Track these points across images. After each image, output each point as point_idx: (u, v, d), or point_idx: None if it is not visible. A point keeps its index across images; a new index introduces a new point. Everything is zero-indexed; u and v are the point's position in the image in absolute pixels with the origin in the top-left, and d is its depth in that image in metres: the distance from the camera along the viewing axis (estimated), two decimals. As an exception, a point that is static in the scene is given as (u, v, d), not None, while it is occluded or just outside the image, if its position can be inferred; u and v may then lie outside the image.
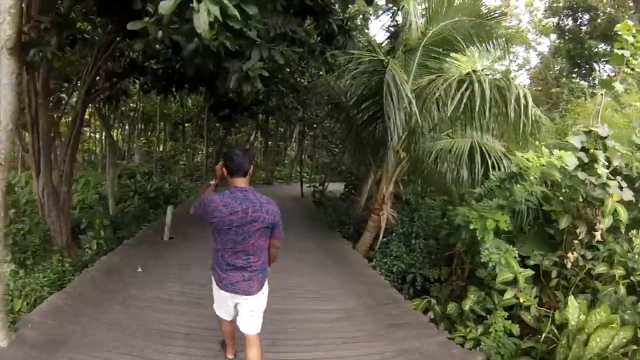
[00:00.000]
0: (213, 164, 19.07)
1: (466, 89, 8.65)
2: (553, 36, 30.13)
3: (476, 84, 8.59)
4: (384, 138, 10.65)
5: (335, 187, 22.41)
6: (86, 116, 30.01)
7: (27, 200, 15.38)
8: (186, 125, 34.40)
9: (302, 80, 18.32)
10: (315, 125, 24.06)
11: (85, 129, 27.27)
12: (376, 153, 12.06)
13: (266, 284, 4.40)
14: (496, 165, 9.90)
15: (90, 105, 13.61)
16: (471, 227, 7.48)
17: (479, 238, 7.43)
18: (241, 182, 4.08)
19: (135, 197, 18.13)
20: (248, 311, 4.35)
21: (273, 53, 7.36)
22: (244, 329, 4.41)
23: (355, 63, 9.73)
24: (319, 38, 9.48)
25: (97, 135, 34.72)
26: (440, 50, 11.69)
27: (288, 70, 14.78)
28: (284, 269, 8.92)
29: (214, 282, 4.40)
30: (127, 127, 38.23)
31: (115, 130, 44.72)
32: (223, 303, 4.47)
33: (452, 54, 12.14)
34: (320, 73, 15.74)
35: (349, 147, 13.77)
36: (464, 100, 8.63)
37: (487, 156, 10.09)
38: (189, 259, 9.72)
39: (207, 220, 4.10)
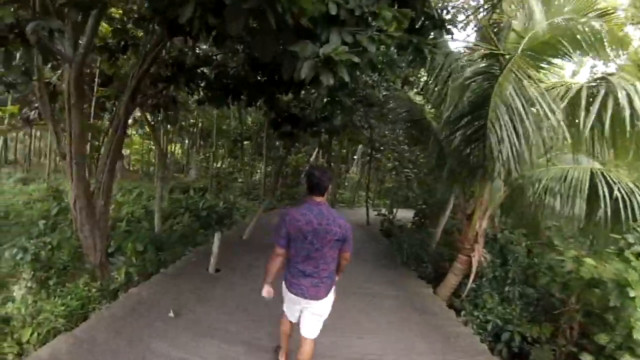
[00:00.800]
0: (272, 184, 17.21)
1: (603, 99, 6.68)
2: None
3: (620, 92, 6.50)
4: (482, 163, 8.58)
5: (402, 215, 20.62)
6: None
7: (60, 210, 13.89)
8: (245, 142, 33.22)
9: (378, 92, 16.28)
10: (382, 147, 21.84)
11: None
12: (470, 181, 9.96)
13: (332, 290, 4.66)
14: (627, 201, 7.57)
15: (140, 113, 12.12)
16: (632, 294, 5.19)
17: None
18: (318, 198, 4.39)
19: (186, 215, 16.49)
20: (312, 314, 4.61)
21: (360, 38, 5.02)
22: (304, 332, 4.68)
23: (458, 65, 7.56)
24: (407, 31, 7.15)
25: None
26: (543, 56, 9.34)
27: (367, 77, 12.61)
28: (355, 323, 7.36)
29: (284, 286, 4.64)
30: (186, 141, 37.64)
31: (175, 144, 44.83)
32: (292, 306, 4.74)
33: (554, 61, 9.68)
34: (396, 86, 13.72)
35: (435, 173, 11.55)
36: (592, 114, 6.72)
37: (614, 189, 7.73)
38: (235, 302, 7.86)
39: (287, 235, 4.34)
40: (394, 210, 20.40)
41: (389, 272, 11.67)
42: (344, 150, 31.69)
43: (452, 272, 9.91)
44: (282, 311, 4.99)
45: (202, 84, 11.77)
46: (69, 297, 7.81)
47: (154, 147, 34.27)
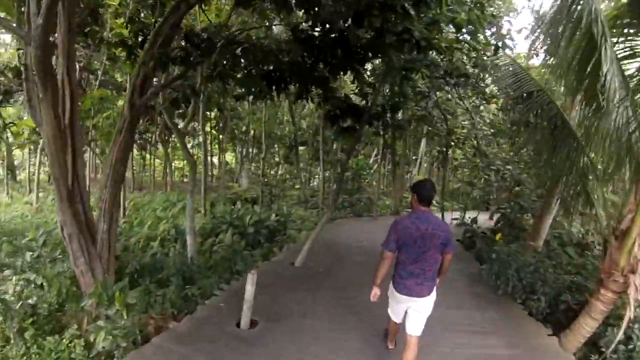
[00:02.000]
0: (333, 192, 14.13)
1: None
2: None
3: None
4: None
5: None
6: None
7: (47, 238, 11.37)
8: (301, 148, 30.86)
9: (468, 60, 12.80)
10: (461, 141, 18.25)
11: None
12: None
13: (434, 290, 4.98)
14: None
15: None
16: None
17: None
18: (425, 208, 4.84)
19: (229, 232, 13.50)
20: (416, 312, 4.98)
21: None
22: (409, 329, 5.07)
23: None
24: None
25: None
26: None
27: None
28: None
29: (392, 288, 5.09)
30: (238, 149, 35.36)
31: (226, 152, 42.48)
32: (397, 306, 5.18)
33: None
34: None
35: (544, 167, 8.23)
36: None
37: None
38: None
39: (397, 241, 4.80)
40: (475, 216, 16.94)
41: (487, 307, 8.56)
42: (408, 151, 28.00)
43: (587, 314, 6.76)
44: (388, 316, 5.52)
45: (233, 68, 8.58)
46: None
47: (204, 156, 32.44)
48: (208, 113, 29.93)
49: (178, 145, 41.26)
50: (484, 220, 19.16)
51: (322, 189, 21.93)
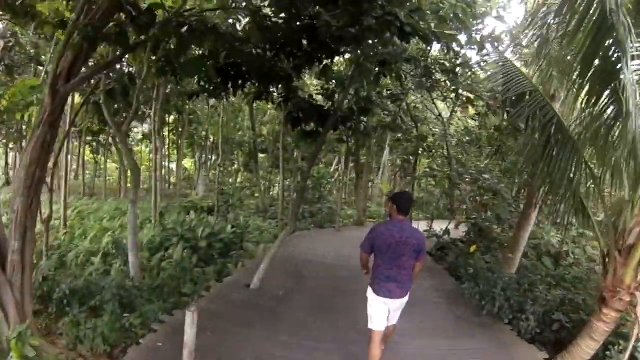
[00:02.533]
0: (295, 203, 12.91)
1: None
2: None
3: None
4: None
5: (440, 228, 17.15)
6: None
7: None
8: (262, 156, 30.15)
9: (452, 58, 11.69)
10: (431, 149, 17.18)
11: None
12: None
13: (408, 293, 5.22)
14: None
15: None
16: None
17: None
18: (402, 217, 5.13)
19: (179, 246, 12.01)
20: (395, 310, 5.28)
21: None
22: (390, 323, 5.31)
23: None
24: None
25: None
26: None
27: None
28: None
29: (372, 293, 5.21)
30: (197, 155, 33.89)
31: (188, 159, 40.80)
32: (380, 311, 5.18)
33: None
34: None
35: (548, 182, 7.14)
36: None
37: None
38: None
39: (372, 245, 5.14)
40: (445, 226, 15.80)
41: (474, 333, 7.67)
42: (371, 159, 26.93)
43: (587, 335, 6.24)
44: (370, 331, 5.27)
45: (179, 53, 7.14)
46: None
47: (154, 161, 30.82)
48: (166, 116, 28.83)
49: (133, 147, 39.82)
50: (450, 229, 18.31)
51: (282, 199, 20.50)
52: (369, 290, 5.27)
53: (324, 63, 8.23)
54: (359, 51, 8.39)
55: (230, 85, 8.72)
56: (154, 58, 8.04)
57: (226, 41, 7.32)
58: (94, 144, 31.51)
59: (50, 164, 12.58)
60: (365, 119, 11.41)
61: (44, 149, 6.24)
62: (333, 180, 27.75)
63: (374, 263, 5.19)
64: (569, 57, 6.88)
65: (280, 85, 9.48)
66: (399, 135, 18.23)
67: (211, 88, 9.16)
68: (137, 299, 8.08)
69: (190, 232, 12.88)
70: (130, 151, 10.85)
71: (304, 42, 7.56)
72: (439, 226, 18.16)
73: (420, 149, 17.28)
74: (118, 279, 9.18)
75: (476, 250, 11.90)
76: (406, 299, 5.24)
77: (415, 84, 12.44)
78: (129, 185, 37.64)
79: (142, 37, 6.61)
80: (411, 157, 21.30)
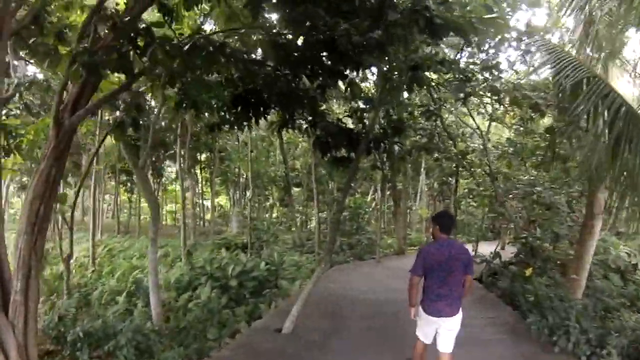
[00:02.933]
0: (330, 235, 12.06)
1: None
2: None
3: None
4: None
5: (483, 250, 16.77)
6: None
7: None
8: (296, 190, 30.03)
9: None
10: (470, 166, 16.05)
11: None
12: None
13: (461, 309, 5.23)
14: None
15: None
16: None
17: None
18: (445, 235, 5.27)
19: (207, 285, 11.20)
20: (447, 330, 5.22)
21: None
22: (442, 347, 5.29)
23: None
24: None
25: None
26: None
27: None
28: None
29: (421, 310, 5.27)
30: (231, 191, 33.45)
31: (223, 196, 40.33)
32: (427, 327, 5.31)
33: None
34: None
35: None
36: None
37: None
38: None
39: (423, 266, 5.15)
40: (496, 250, 14.70)
41: None
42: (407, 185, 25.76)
43: None
44: (417, 337, 5.46)
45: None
46: None
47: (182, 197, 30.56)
48: (198, 154, 28.55)
49: (168, 186, 39.57)
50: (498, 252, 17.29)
51: (318, 232, 19.55)
52: (420, 308, 5.32)
53: (349, 78, 7.39)
54: (386, 59, 7.47)
55: (251, 114, 8.02)
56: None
57: (238, 61, 6.56)
58: (128, 183, 31.47)
59: (70, 203, 12.18)
60: (398, 141, 10.41)
61: (48, 184, 5.63)
62: (370, 209, 26.63)
63: (425, 284, 5.24)
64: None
65: (305, 110, 8.72)
66: (437, 155, 16.94)
67: (232, 119, 8.44)
68: (156, 344, 7.40)
69: (220, 271, 12.13)
70: (149, 186, 10.18)
71: (324, 56, 6.82)
72: (483, 248, 17.32)
73: (461, 167, 16.04)
74: (138, 321, 8.50)
75: (532, 273, 10.75)
76: (459, 317, 5.27)
77: (452, 90, 11.35)
78: (167, 222, 37.75)
79: (146, 63, 5.90)
80: (450, 178, 20.25)
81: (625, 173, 5.83)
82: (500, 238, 20.95)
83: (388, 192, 23.80)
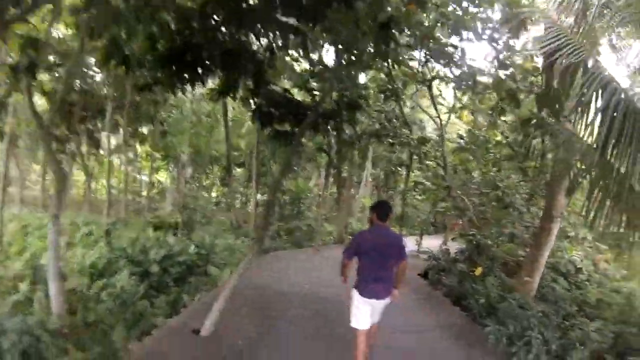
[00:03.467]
0: (263, 218, 10.65)
1: None
2: None
3: None
4: None
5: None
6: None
7: None
8: (238, 170, 28.84)
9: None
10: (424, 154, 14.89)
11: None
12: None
13: (391, 293, 5.35)
14: None
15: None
16: None
17: None
18: (382, 223, 5.37)
19: (125, 271, 9.66)
20: (379, 309, 5.40)
21: None
22: (373, 321, 5.36)
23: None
24: None
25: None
26: None
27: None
28: None
29: (356, 294, 5.30)
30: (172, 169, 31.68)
31: (165, 172, 38.11)
32: (365, 311, 5.29)
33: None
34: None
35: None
36: None
37: None
38: None
39: (356, 251, 5.30)
40: (444, 246, 13.85)
41: None
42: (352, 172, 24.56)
43: None
44: (355, 330, 5.33)
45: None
46: None
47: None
48: (139, 127, 26.74)
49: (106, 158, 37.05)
50: (436, 245, 16.43)
51: (254, 215, 18.11)
52: (354, 291, 5.39)
53: (303, 32, 6.05)
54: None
55: (187, 75, 6.67)
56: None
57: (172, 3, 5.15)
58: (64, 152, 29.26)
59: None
60: (350, 120, 9.09)
61: None
62: (313, 195, 25.34)
63: (359, 267, 5.34)
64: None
65: (249, 76, 7.32)
66: (390, 141, 15.55)
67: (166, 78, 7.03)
68: (49, 349, 5.85)
69: (142, 254, 10.59)
70: (51, 151, 8.55)
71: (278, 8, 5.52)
72: (426, 242, 16.91)
73: (415, 156, 14.78)
74: (36, 315, 6.95)
75: (482, 273, 9.91)
76: (388, 300, 5.39)
77: (435, 54, 10.13)
78: (98, 196, 35.28)
79: None
80: (399, 168, 19.27)
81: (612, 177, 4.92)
82: (445, 233, 20.25)
83: (332, 179, 22.62)
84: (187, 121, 23.70)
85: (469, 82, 10.87)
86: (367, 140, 16.71)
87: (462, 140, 13.76)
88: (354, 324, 5.38)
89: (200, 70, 6.78)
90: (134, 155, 31.81)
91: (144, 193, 35.81)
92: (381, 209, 5.54)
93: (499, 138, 12.31)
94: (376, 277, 5.27)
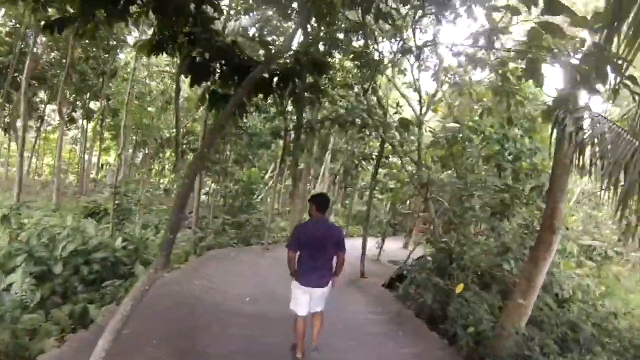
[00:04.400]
0: (175, 214, 8.19)
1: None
2: None
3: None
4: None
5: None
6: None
7: None
8: (192, 154, 25.70)
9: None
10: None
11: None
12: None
13: (330, 283, 5.43)
14: None
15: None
16: None
17: None
18: (321, 215, 5.45)
19: (19, 272, 7.30)
20: (319, 298, 5.42)
21: None
22: (314, 309, 5.46)
23: None
24: None
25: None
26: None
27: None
28: None
29: (295, 283, 5.38)
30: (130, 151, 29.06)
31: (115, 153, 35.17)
32: (302, 298, 5.36)
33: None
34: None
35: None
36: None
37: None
38: None
39: (298, 242, 5.30)
40: (419, 255, 11.75)
41: None
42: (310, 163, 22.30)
43: None
44: (295, 315, 5.43)
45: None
46: None
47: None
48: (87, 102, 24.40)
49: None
50: (396, 249, 16.43)
51: (197, 205, 15.58)
52: (294, 281, 5.42)
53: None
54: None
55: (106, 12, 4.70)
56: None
57: None
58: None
59: None
60: (315, 86, 6.76)
61: None
62: (267, 187, 23.03)
63: (299, 257, 5.31)
64: None
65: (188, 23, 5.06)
66: (359, 123, 12.90)
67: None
68: None
69: (46, 249, 8.16)
70: None
71: None
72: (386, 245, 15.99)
73: (387, 144, 12.52)
74: None
75: (463, 290, 7.89)
76: (328, 289, 5.44)
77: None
78: (36, 178, 32.17)
79: None
80: (363, 162, 17.25)
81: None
82: (408, 236, 19.55)
83: (288, 172, 20.40)
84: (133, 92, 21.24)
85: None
86: (328, 129, 14.58)
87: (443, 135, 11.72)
88: (292, 306, 5.48)
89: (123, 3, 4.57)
90: (82, 133, 29.22)
91: (92, 175, 33.10)
92: (320, 202, 5.60)
93: (490, 131, 10.32)
94: (315, 267, 5.31)
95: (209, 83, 5.52)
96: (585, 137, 4.94)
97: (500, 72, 8.80)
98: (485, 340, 6.65)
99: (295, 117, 13.41)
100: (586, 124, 5.06)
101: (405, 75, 13.73)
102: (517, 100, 9.44)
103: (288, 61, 5.66)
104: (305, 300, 5.38)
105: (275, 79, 5.43)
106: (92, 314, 6.71)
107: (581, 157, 5.15)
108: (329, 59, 6.78)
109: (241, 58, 5.17)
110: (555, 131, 5.31)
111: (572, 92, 5.48)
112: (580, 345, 6.74)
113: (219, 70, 5.35)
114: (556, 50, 5.32)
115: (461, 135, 10.72)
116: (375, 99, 11.47)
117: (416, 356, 6.26)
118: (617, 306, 9.87)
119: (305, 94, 6.00)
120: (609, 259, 12.27)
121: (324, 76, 8.37)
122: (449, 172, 12.65)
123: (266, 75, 5.36)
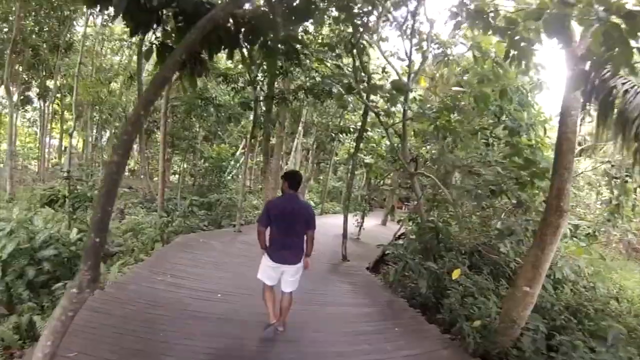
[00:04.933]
0: (101, 197, 7.25)
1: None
2: None
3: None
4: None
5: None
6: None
7: None
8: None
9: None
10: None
11: None
12: None
13: (302, 260, 5.44)
14: None
15: None
16: None
17: None
18: (293, 191, 5.37)
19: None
20: (290, 276, 5.42)
21: None
22: (285, 288, 5.48)
23: None
24: None
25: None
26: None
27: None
28: None
29: (266, 257, 5.41)
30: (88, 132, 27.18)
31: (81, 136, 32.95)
32: (271, 271, 5.40)
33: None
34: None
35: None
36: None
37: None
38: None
39: (269, 217, 5.25)
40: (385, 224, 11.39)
41: None
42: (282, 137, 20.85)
43: None
44: (262, 284, 5.51)
45: None
46: None
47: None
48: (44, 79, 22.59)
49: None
50: (375, 226, 16.14)
51: (162, 185, 14.24)
52: (265, 255, 5.43)
53: None
54: None
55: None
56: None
57: None
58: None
59: None
60: (290, 40, 5.48)
61: None
62: (238, 165, 21.55)
63: (270, 232, 5.33)
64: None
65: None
66: (339, 88, 11.46)
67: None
68: None
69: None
70: None
71: None
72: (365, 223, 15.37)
73: (372, 111, 11.28)
74: None
75: (460, 275, 7.18)
76: (299, 267, 5.42)
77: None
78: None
79: None
80: (340, 135, 16.19)
81: None
82: (390, 213, 19.34)
83: (259, 147, 19.16)
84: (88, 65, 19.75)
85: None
86: (302, 100, 13.39)
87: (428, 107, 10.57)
88: (259, 276, 5.52)
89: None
90: (40, 114, 27.40)
91: (54, 160, 31.26)
92: (292, 178, 5.51)
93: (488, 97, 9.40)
94: (284, 243, 5.32)
95: (157, 34, 4.32)
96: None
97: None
98: (489, 333, 5.86)
99: (266, 86, 12.22)
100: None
101: (386, 41, 12.77)
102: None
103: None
104: (272, 274, 5.42)
105: (243, 30, 4.23)
106: (38, 325, 5.54)
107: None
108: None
109: (197, 2, 3.93)
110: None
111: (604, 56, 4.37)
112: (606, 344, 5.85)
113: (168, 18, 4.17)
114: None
115: (463, 103, 9.92)
116: (358, 62, 10.22)
117: (419, 359, 5.28)
118: (609, 287, 9.49)
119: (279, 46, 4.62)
120: (595, 238, 11.92)
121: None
122: (431, 146, 11.95)
123: (231, 27, 4.18)
